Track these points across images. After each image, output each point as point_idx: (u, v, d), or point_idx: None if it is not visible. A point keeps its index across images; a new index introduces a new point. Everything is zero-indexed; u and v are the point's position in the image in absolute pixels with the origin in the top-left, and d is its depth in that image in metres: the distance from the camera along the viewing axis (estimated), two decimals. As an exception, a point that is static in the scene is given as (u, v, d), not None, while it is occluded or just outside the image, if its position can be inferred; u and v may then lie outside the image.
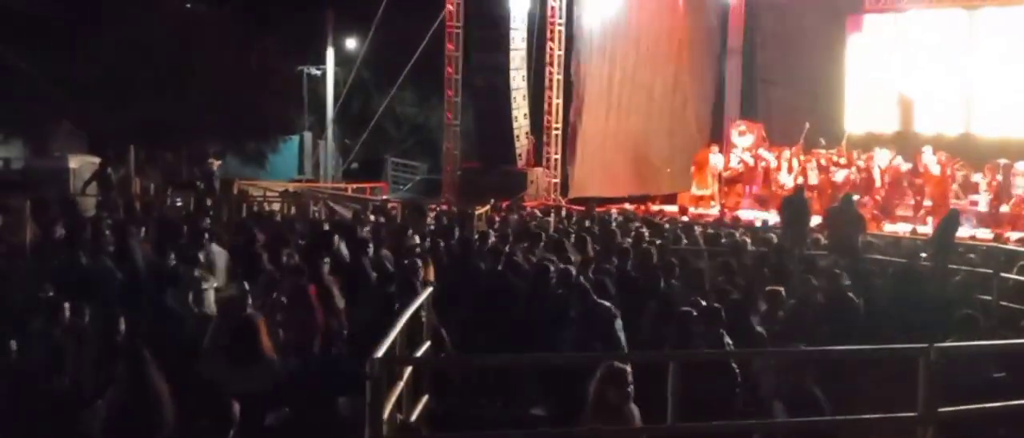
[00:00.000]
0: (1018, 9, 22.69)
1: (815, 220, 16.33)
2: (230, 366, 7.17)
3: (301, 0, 27.18)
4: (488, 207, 17.41)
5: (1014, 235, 18.15)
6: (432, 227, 14.37)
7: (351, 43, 30.14)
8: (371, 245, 10.91)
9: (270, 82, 25.46)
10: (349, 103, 28.53)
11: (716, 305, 8.32)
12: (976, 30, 23.52)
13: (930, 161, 21.16)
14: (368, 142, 26.81)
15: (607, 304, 8.45)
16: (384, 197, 21.78)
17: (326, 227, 13.49)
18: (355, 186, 23.22)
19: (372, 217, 14.97)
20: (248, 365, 7.18)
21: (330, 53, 28.81)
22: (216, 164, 22.13)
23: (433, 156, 25.00)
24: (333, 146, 29.18)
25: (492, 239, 12.76)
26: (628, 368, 6.03)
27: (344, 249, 10.86)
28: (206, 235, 10.51)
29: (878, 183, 21.61)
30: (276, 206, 18.29)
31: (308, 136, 30.47)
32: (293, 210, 17.95)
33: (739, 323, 8.33)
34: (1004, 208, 20.89)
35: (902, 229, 19.65)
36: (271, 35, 26.07)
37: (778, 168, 22.86)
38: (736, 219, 20.12)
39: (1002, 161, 21.36)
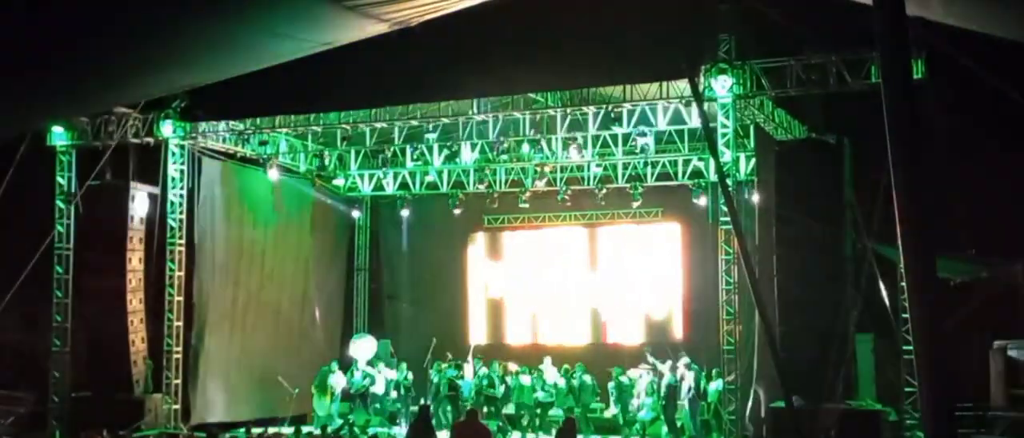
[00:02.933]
0: (602, 227, 24.81)
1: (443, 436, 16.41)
2: None
3: None
4: (100, 440, 16.15)
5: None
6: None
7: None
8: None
9: None
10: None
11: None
12: (591, 245, 25.40)
13: (551, 371, 22.11)
14: (-36, 374, 24.41)
15: None
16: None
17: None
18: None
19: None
20: None
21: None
22: None
23: (40, 386, 23.04)
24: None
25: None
26: None
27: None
28: None
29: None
30: None
31: None
32: None
33: None
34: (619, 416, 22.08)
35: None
36: None
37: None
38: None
39: (614, 369, 22.68)
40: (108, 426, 17.95)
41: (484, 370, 22.27)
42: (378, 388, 22.60)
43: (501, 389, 21.80)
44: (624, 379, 21.45)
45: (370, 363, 23.24)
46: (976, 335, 16.79)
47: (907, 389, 17.66)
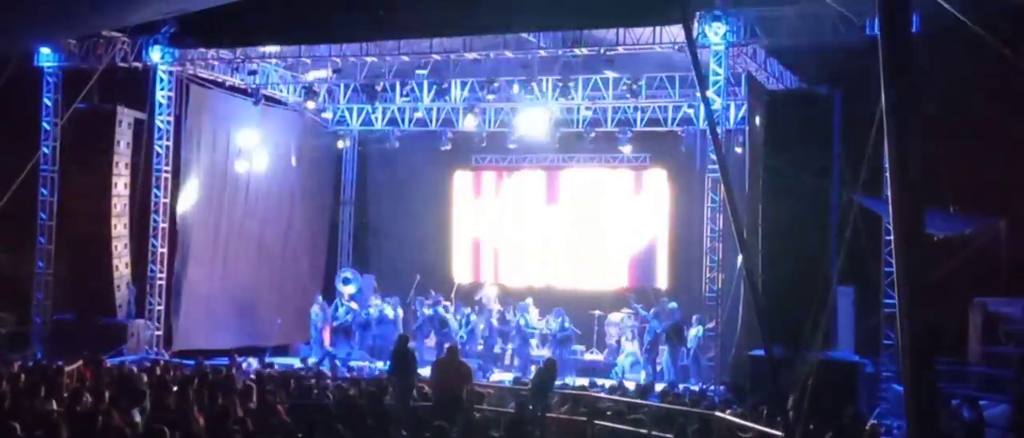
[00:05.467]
0: (589, 171, 24.81)
1: (425, 372, 16.49)
2: None
3: None
4: (81, 363, 16.15)
5: (607, 381, 19.20)
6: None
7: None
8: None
9: None
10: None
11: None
12: (555, 189, 25.45)
13: (531, 311, 22.29)
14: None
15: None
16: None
17: None
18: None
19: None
20: None
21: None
22: None
23: (22, 307, 23.09)
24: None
25: (87, 399, 11.90)
26: None
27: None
28: None
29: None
30: None
31: None
32: None
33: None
34: (598, 356, 22.31)
35: (507, 379, 20.32)
36: None
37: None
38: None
39: (596, 313, 22.88)
40: (89, 349, 17.96)
41: (499, 307, 22.66)
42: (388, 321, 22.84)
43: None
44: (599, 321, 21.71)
45: (352, 298, 23.37)
46: (956, 290, 16.92)
47: (885, 341, 17.85)
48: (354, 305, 23.03)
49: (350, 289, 23.61)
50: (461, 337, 22.00)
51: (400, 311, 23.00)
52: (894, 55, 5.27)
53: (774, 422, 11.05)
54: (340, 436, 10.36)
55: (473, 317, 22.53)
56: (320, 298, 23.30)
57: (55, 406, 11.66)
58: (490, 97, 22.36)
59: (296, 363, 21.39)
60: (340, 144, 26.35)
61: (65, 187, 22.49)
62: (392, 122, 25.19)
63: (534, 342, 22.06)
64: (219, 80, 23.18)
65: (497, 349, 22.34)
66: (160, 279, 22.10)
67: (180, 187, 22.34)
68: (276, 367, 18.76)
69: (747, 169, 19.05)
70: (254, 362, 19.76)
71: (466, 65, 21.79)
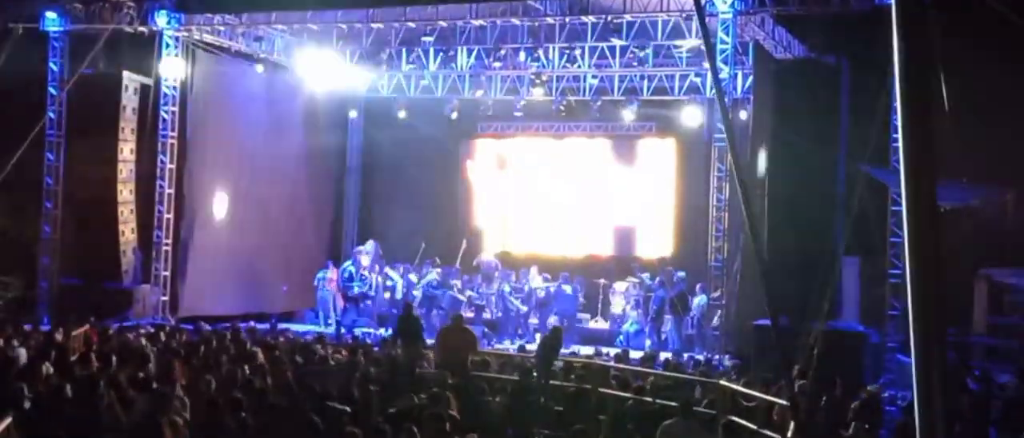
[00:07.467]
0: (595, 140, 24.77)
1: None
2: None
3: None
4: (87, 327, 16.21)
5: (612, 350, 19.23)
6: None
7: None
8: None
9: None
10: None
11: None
12: (562, 156, 25.39)
13: (536, 278, 22.33)
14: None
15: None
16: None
17: None
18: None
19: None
20: None
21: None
22: None
23: (29, 271, 23.14)
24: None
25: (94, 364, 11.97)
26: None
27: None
28: None
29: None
30: None
31: None
32: None
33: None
34: (603, 324, 22.37)
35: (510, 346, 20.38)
36: None
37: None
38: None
39: (601, 281, 22.91)
40: (96, 315, 18.04)
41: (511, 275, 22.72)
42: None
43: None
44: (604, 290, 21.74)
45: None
46: (962, 262, 16.91)
47: (891, 312, 17.85)
48: (366, 273, 23.06)
49: (365, 260, 23.62)
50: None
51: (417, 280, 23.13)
52: (905, 23, 5.22)
53: (779, 391, 11.06)
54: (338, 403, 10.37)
55: (506, 287, 22.49)
56: (331, 264, 23.40)
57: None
58: (496, 64, 22.27)
59: (301, 329, 21.46)
60: (346, 112, 26.27)
61: (71, 152, 22.47)
62: (398, 90, 25.12)
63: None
64: (225, 46, 23.12)
65: (516, 313, 22.42)
66: (166, 245, 22.13)
67: (186, 153, 22.31)
68: (289, 334, 18.84)
69: (750, 137, 19.00)
70: (258, 327, 19.84)
71: (473, 32, 21.71)
